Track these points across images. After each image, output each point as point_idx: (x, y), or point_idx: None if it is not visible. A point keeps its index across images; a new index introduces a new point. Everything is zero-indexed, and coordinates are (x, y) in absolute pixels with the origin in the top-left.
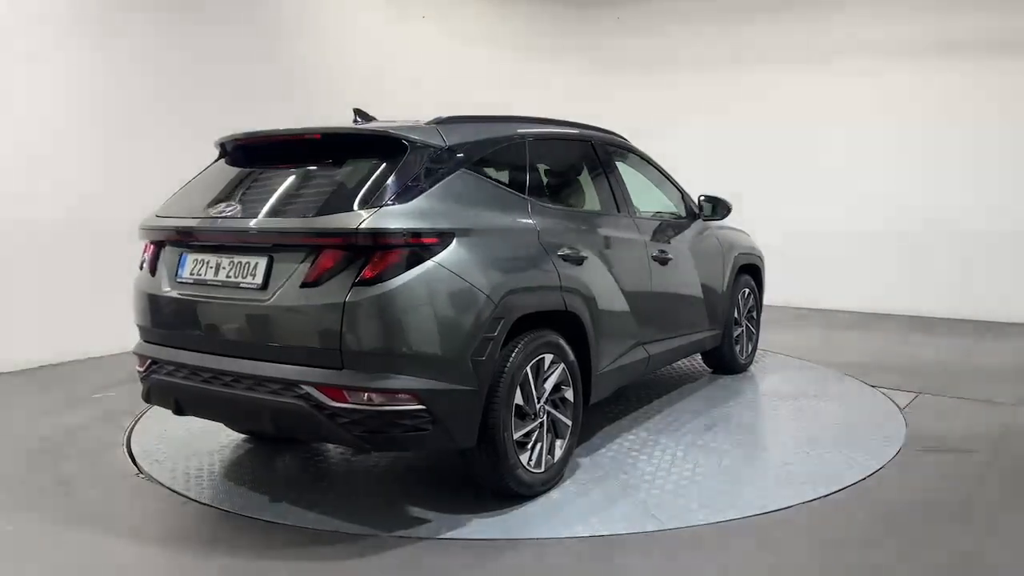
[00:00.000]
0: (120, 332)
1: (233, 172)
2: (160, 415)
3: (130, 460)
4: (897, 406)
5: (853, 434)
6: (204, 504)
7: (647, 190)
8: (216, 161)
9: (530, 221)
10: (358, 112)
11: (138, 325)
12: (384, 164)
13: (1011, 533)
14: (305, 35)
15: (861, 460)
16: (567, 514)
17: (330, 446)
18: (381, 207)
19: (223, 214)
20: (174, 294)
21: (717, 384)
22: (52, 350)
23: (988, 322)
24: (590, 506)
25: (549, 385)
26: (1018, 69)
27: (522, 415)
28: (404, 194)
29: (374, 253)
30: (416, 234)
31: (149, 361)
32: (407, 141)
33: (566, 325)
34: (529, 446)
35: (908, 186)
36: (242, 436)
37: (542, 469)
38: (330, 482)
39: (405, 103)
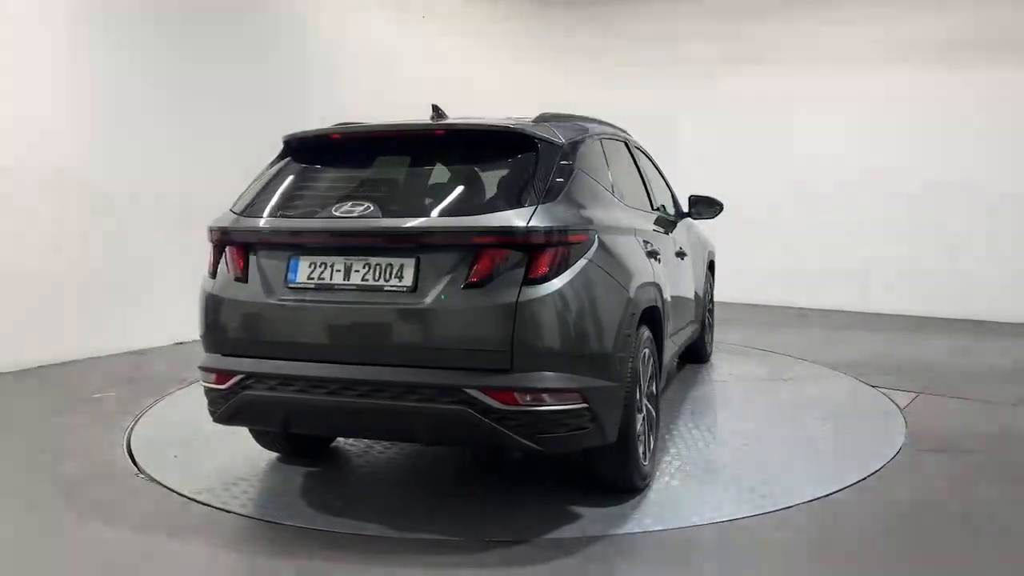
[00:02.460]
0: (119, 332)
1: (337, 170)
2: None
3: (130, 460)
4: (897, 406)
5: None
6: (291, 525)
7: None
8: (285, 158)
9: (627, 217)
10: (435, 108)
11: (216, 338)
12: (522, 162)
13: (1011, 533)
14: (306, 35)
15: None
16: (691, 502)
17: (351, 452)
18: (538, 205)
19: (353, 214)
20: (284, 301)
21: (706, 379)
22: (52, 350)
23: (988, 322)
24: (702, 494)
25: (647, 379)
26: (1019, 70)
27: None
28: (551, 192)
29: (541, 251)
30: (574, 232)
31: (240, 376)
32: (538, 139)
33: (646, 320)
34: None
35: (908, 186)
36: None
37: (647, 462)
38: (398, 488)
39: (404, 103)
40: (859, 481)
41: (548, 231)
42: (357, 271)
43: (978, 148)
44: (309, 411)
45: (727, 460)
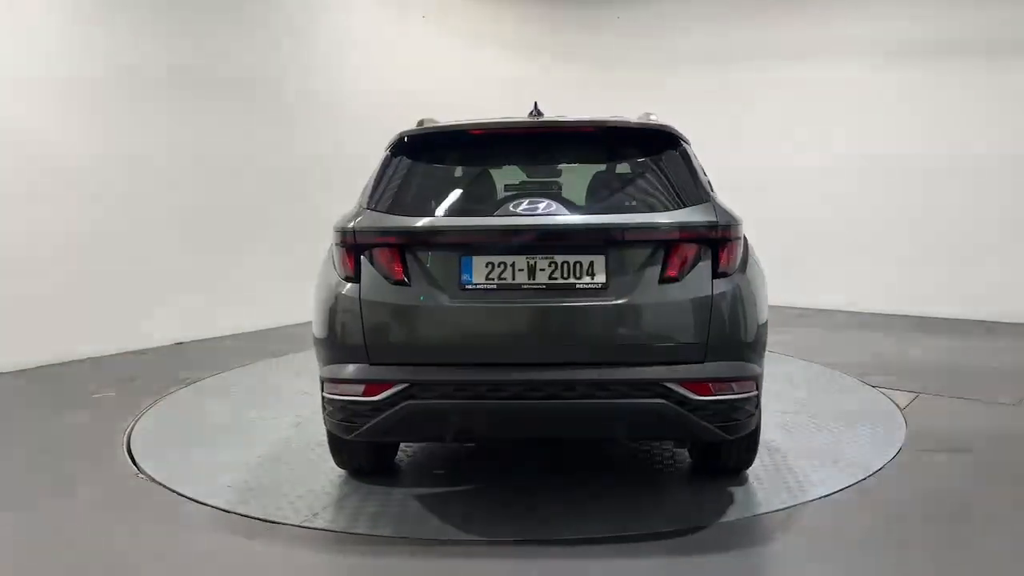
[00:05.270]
0: (119, 332)
1: (487, 167)
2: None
3: (130, 460)
4: (897, 406)
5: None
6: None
7: None
8: (399, 155)
9: None
10: (536, 106)
11: (362, 346)
12: (675, 159)
13: (1011, 533)
14: (305, 34)
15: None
16: (799, 478)
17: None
18: (711, 201)
19: (537, 211)
20: (459, 303)
21: None
22: (52, 350)
23: (988, 322)
24: (802, 471)
25: None
26: (1017, 68)
27: None
28: (709, 189)
29: (724, 245)
30: (740, 225)
31: (403, 386)
32: (681, 138)
33: None
34: None
35: (908, 186)
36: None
37: None
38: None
39: (405, 103)
40: (859, 481)
41: (732, 226)
42: (543, 270)
43: (979, 148)
44: (485, 417)
45: (782, 442)
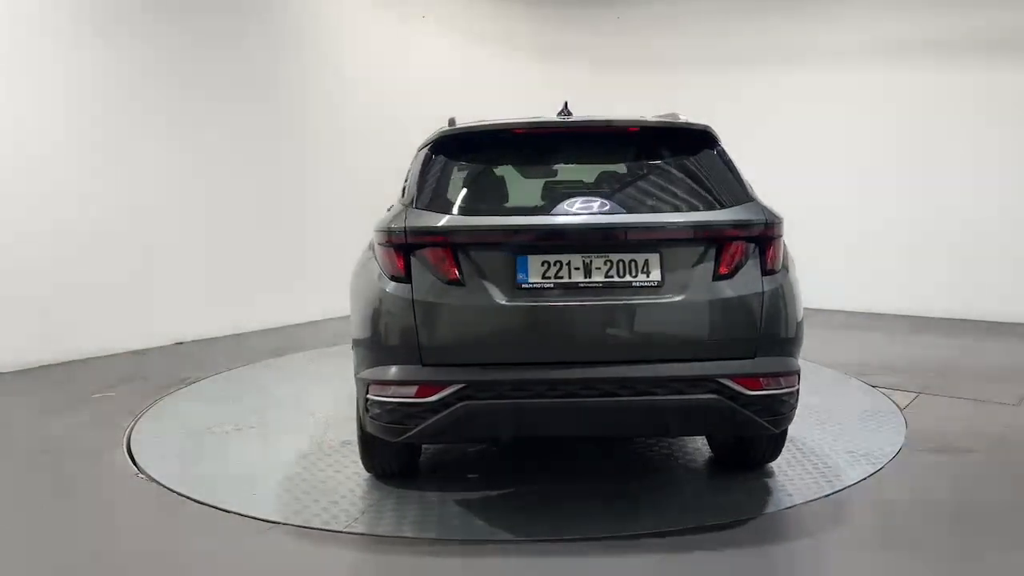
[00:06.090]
0: (119, 332)
1: (535, 166)
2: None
3: (130, 460)
4: (897, 406)
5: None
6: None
7: None
8: (439, 154)
9: None
10: (566, 106)
11: (415, 347)
12: (715, 158)
13: (1011, 533)
14: (305, 34)
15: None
16: (824, 469)
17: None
18: (756, 200)
19: (592, 210)
20: (516, 303)
21: None
22: (52, 350)
23: (988, 322)
24: (824, 462)
25: None
26: (1018, 68)
27: None
28: (750, 187)
29: (770, 243)
30: (783, 224)
31: (459, 387)
32: (718, 139)
33: None
34: None
35: (908, 186)
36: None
37: None
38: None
39: (405, 102)
40: (859, 481)
41: (778, 224)
42: (598, 268)
43: (978, 147)
44: (541, 416)
45: (794, 434)
